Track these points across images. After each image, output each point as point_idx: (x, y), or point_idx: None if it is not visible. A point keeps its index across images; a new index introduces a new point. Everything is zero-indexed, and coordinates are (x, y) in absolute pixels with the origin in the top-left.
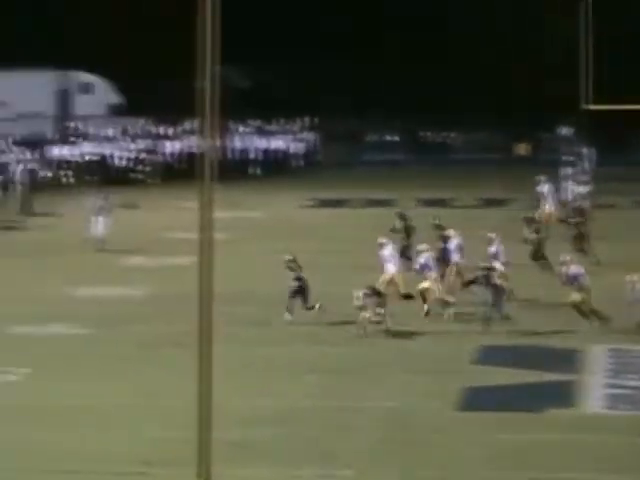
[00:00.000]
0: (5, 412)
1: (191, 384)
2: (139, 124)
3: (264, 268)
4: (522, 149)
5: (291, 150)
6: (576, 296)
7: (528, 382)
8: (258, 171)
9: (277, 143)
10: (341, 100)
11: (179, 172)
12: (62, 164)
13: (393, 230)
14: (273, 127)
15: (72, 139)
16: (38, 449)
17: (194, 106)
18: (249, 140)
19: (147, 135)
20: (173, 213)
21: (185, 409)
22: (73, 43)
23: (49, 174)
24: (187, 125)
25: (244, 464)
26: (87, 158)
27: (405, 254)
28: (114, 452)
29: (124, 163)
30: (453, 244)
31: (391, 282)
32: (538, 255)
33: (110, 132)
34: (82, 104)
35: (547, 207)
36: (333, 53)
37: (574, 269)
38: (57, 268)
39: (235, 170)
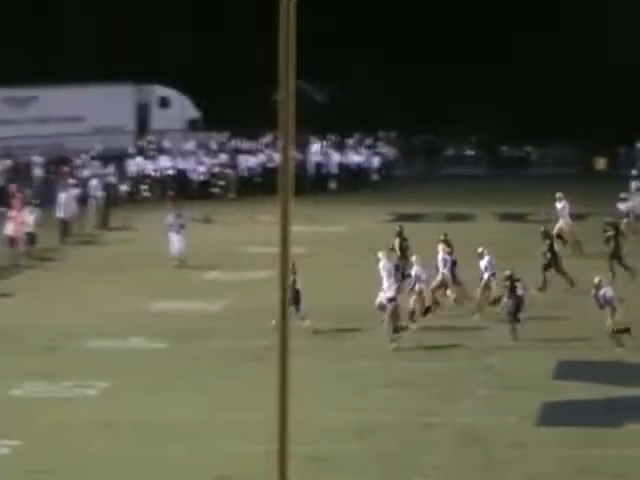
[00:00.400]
0: (82, 426)
1: (269, 398)
2: (217, 138)
3: (342, 282)
4: (600, 164)
5: (369, 164)
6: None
7: (606, 397)
8: (335, 185)
9: (355, 157)
10: (420, 115)
11: (256, 186)
12: (140, 178)
13: (392, 249)
14: (351, 141)
15: (150, 153)
16: (112, 463)
17: (272, 120)
18: (327, 154)
19: (224, 149)
20: (250, 227)
21: (263, 423)
22: (151, 58)
23: (127, 188)
24: (265, 139)
25: (323, 478)
26: (165, 172)
27: (399, 270)
28: (189, 466)
29: (201, 177)
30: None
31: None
32: (557, 267)
33: (188, 146)
34: (160, 118)
35: (561, 222)
36: (411, 69)
37: (606, 291)
38: (135, 282)
39: (313, 184)
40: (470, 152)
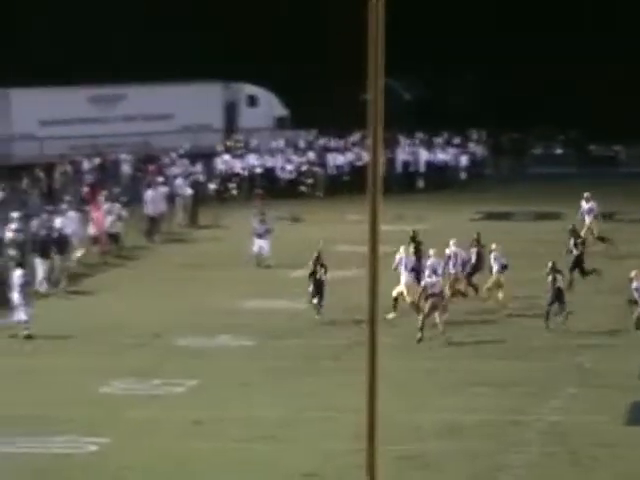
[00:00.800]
0: (171, 424)
1: (357, 396)
2: (305, 136)
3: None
4: None
5: (457, 163)
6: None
7: None
8: (423, 184)
9: (443, 156)
10: (508, 113)
11: (344, 185)
12: (228, 177)
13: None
14: (439, 140)
15: (238, 152)
16: (200, 460)
17: (360, 118)
18: (415, 153)
19: (313, 147)
20: (337, 226)
21: (351, 421)
22: (239, 55)
23: (214, 186)
24: (353, 137)
25: (412, 478)
26: (253, 171)
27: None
28: (277, 463)
29: (289, 176)
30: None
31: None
32: (581, 266)
33: (276, 144)
34: (248, 117)
35: (587, 221)
36: (500, 68)
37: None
38: (222, 281)
39: (401, 183)
40: (558, 151)
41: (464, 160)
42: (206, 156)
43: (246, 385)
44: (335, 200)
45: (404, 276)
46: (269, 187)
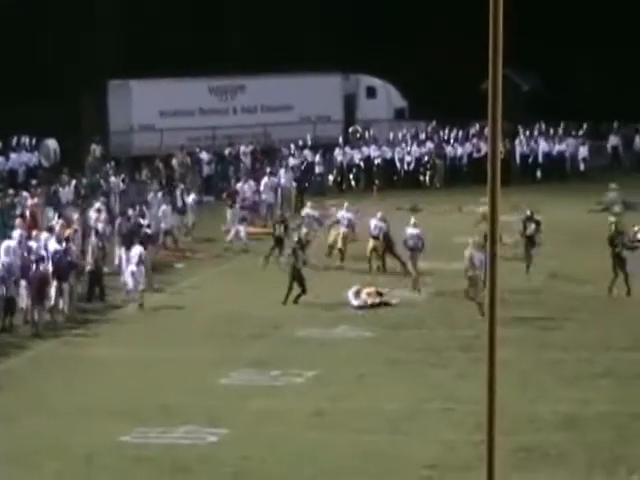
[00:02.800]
0: (291, 414)
1: (478, 388)
2: (423, 128)
3: (540, 272)
4: None
5: (577, 154)
6: None
7: None
8: (541, 174)
9: (562, 147)
10: (631, 104)
11: (463, 176)
12: (347, 168)
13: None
14: (559, 130)
15: (358, 143)
16: (322, 451)
17: (479, 109)
18: (534, 143)
19: (432, 138)
20: (457, 217)
21: (472, 413)
22: (358, 47)
23: (334, 177)
24: (472, 129)
25: (531, 469)
26: (372, 162)
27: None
28: (398, 455)
29: (408, 167)
30: None
31: None
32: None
33: (394, 136)
34: (367, 108)
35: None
36: (624, 54)
37: None
38: (341, 271)
39: (520, 174)
40: None
41: (583, 151)
42: (325, 147)
43: (367, 376)
44: (454, 191)
45: None
46: (388, 178)
